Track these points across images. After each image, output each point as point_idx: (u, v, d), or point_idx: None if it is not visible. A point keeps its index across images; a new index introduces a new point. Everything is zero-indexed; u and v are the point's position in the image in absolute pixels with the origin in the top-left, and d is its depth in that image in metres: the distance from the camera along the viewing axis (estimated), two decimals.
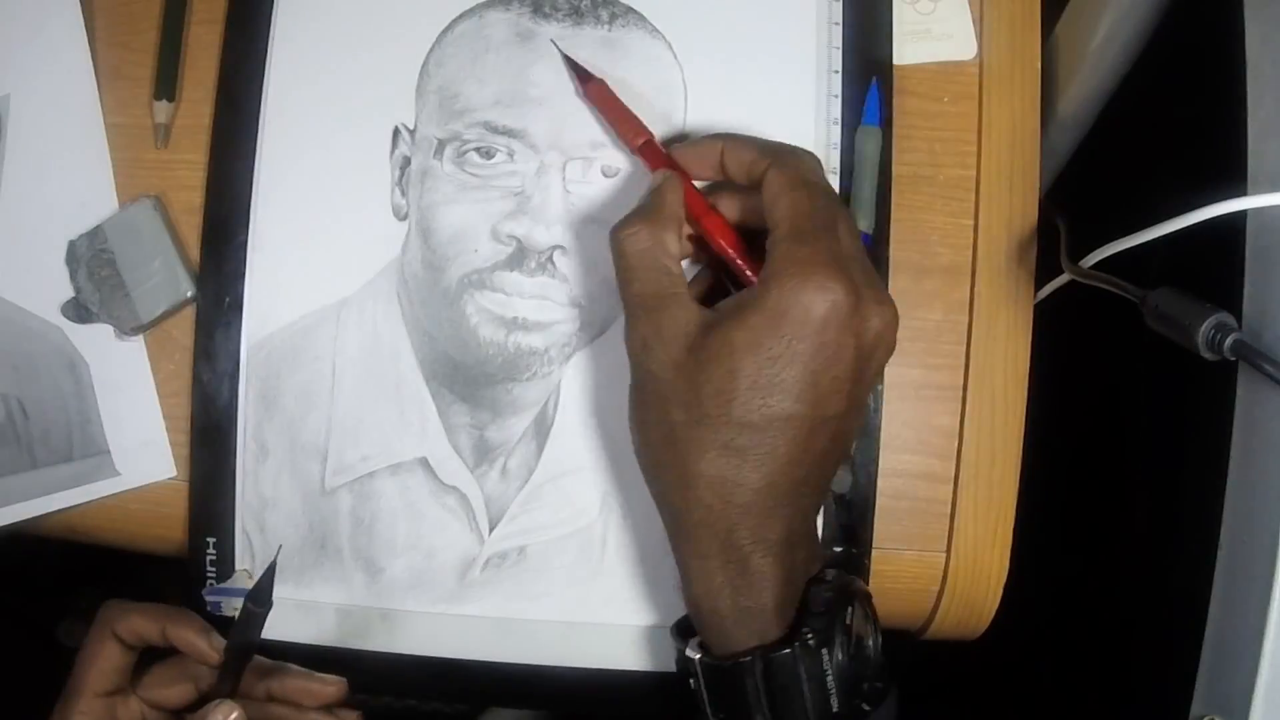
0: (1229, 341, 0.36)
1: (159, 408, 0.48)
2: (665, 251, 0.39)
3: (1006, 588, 0.46)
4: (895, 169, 0.47)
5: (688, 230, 0.42)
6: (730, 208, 0.42)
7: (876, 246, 0.46)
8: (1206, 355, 0.37)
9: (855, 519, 0.46)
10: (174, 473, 0.48)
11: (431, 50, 0.48)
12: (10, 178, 0.49)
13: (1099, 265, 0.43)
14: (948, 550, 0.46)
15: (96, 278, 0.48)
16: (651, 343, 0.38)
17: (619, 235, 0.39)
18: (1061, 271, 0.45)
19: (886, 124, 0.47)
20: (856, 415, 0.39)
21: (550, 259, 0.46)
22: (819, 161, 0.41)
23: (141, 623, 0.41)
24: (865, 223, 0.46)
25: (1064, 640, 0.65)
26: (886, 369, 0.46)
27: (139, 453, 0.48)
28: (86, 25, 0.49)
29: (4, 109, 0.49)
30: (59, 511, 0.48)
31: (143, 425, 0.48)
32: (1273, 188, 0.37)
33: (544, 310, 0.46)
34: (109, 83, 0.50)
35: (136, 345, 0.48)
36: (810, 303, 0.35)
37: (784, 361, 0.35)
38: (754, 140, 0.41)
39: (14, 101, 0.49)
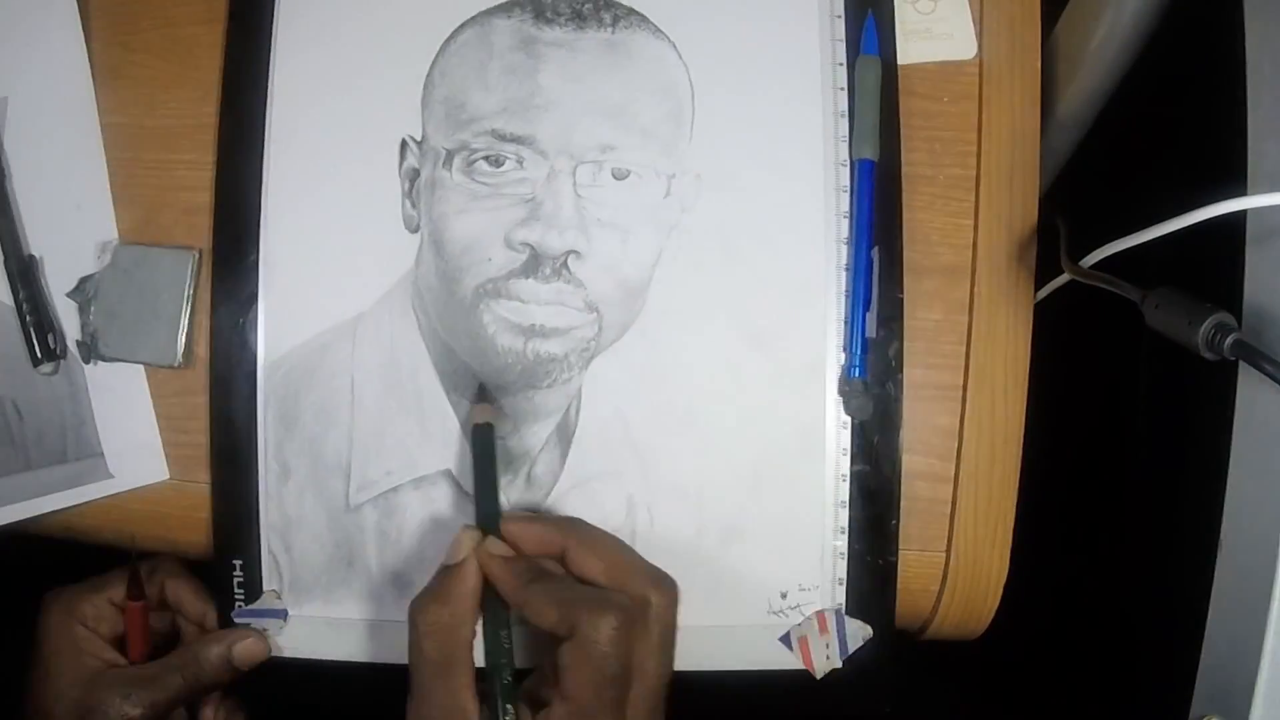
0: (1229, 341, 0.36)
1: (153, 410, 0.48)
2: (460, 629, 0.39)
3: (1006, 588, 0.46)
4: None
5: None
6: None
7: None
8: (1206, 355, 0.37)
9: (877, 516, 0.46)
10: (166, 475, 0.48)
11: (435, 61, 0.48)
12: (9, 179, 0.49)
13: (1099, 265, 0.43)
14: (948, 550, 0.46)
15: (101, 296, 0.48)
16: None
17: (413, 608, 0.39)
18: (1061, 271, 0.45)
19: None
20: None
21: (565, 264, 0.46)
22: (633, 620, 0.39)
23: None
24: (870, 150, 0.46)
25: (1064, 640, 0.65)
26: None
27: (132, 455, 0.48)
28: (85, 24, 0.49)
29: (1, 112, 0.49)
30: (53, 513, 0.48)
31: (136, 428, 0.48)
32: (1273, 188, 0.37)
33: (561, 316, 0.46)
34: (108, 82, 0.50)
35: None
36: None
37: None
38: (558, 593, 0.39)
39: (11, 104, 0.49)
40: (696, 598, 0.46)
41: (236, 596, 0.47)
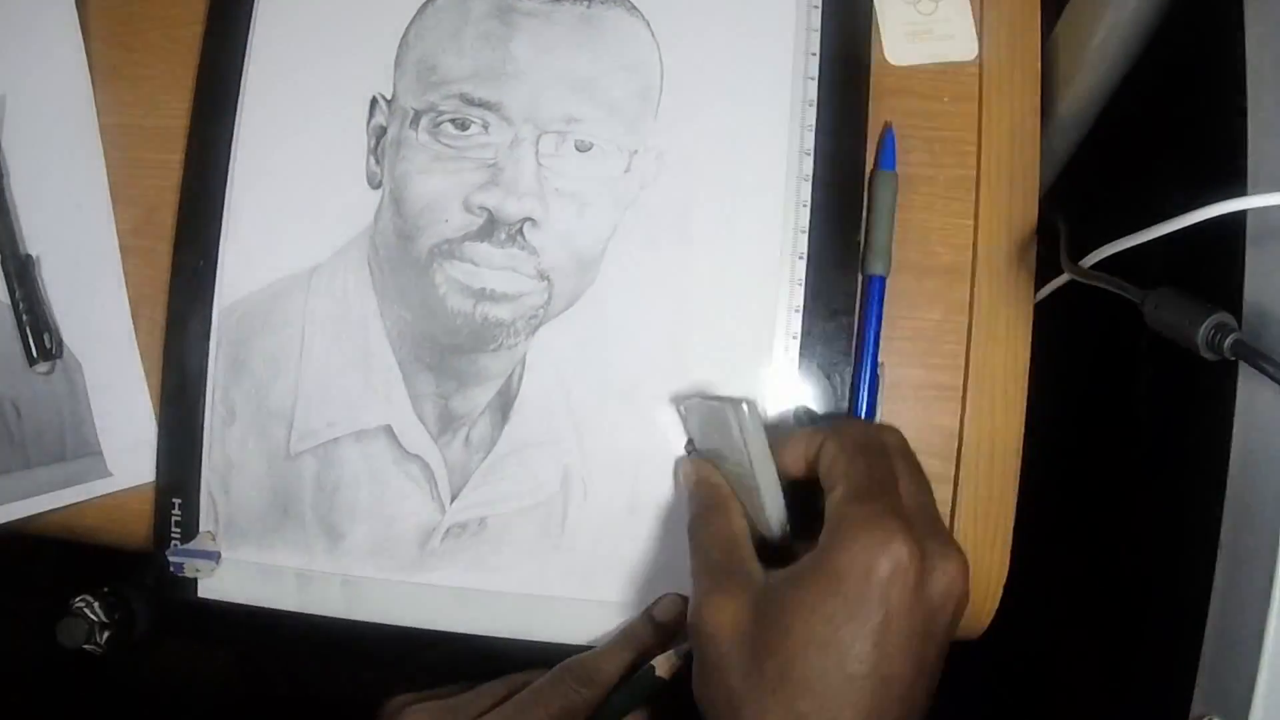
0: (1229, 341, 0.36)
1: (151, 409, 0.48)
2: (732, 526, 0.40)
3: (1006, 588, 0.46)
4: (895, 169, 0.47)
5: None
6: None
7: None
8: (1206, 355, 0.37)
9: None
10: None
11: (412, 22, 0.48)
12: (7, 178, 0.49)
13: (1099, 265, 0.43)
14: None
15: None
16: (716, 609, 0.36)
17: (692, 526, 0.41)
18: (1061, 271, 0.45)
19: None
20: (927, 677, 0.36)
21: (520, 231, 0.46)
22: (877, 426, 0.41)
23: None
24: (881, 266, 0.46)
25: (1064, 640, 0.65)
26: (888, 368, 0.46)
27: (130, 453, 0.48)
28: (84, 24, 0.50)
29: (0, 111, 0.49)
30: (51, 511, 0.48)
31: (134, 426, 0.48)
32: (1273, 188, 0.37)
33: (512, 282, 0.46)
34: (108, 82, 0.50)
35: (128, 345, 0.48)
36: (870, 562, 0.34)
37: (841, 620, 0.34)
38: (803, 436, 0.40)
39: (11, 104, 0.49)
40: (620, 574, 0.46)
41: (173, 535, 0.47)
